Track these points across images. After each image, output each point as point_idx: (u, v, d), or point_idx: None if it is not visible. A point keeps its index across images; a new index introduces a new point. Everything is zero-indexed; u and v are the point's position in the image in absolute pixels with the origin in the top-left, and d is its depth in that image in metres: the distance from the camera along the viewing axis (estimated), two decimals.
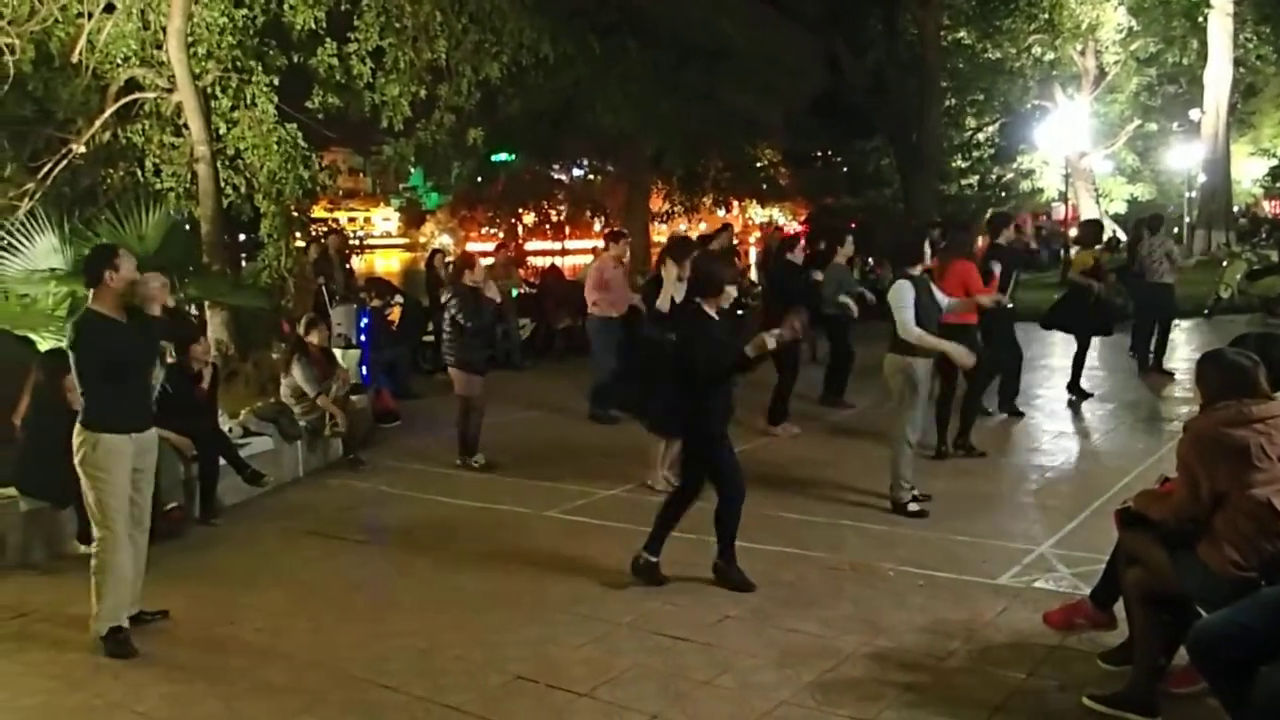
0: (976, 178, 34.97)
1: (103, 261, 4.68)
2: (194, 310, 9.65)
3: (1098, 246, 10.43)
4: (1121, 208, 34.91)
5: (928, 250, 6.65)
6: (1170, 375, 10.59)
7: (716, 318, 5.26)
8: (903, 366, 6.25)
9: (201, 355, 6.97)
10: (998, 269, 8.28)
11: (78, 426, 4.68)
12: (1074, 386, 9.69)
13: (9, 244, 7.99)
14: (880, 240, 11.44)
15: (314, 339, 8.26)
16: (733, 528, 5.23)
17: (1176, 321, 11.87)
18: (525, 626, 4.77)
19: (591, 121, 20.27)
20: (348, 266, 13.32)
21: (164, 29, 9.92)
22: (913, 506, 6.28)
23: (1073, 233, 16.57)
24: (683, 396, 5.26)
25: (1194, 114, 28.54)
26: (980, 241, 9.32)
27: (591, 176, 30.36)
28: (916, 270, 6.40)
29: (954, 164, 32.88)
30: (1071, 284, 10.00)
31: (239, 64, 10.61)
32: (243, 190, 10.94)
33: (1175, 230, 27.07)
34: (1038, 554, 5.53)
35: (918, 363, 6.23)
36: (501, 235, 28.48)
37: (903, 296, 6.22)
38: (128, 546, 4.71)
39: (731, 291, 5.28)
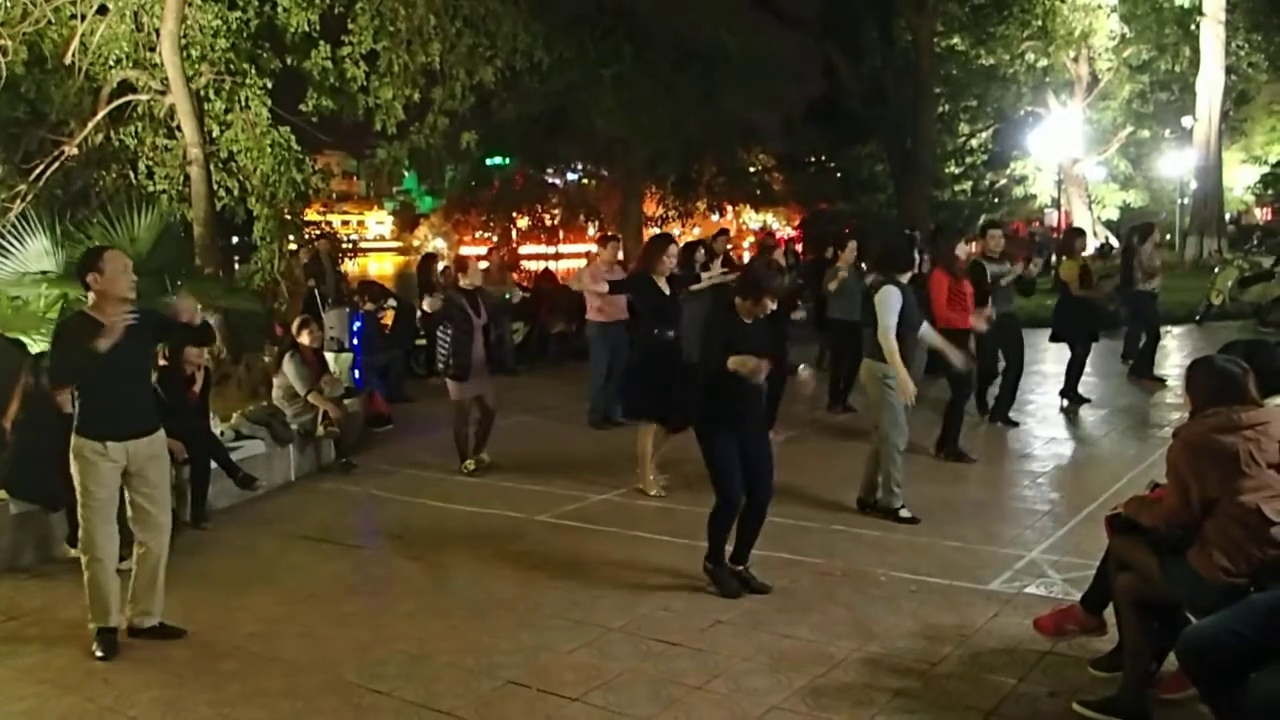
0: (970, 184, 35.15)
1: (86, 266, 4.68)
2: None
3: (1084, 254, 10.45)
4: (1114, 214, 35.09)
5: (917, 258, 6.65)
6: (1161, 381, 10.63)
7: (749, 321, 5.24)
8: (880, 374, 6.23)
9: (194, 358, 6.95)
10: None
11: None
12: (1068, 392, 9.71)
13: (0, 246, 7.97)
14: (872, 246, 11.48)
15: (305, 339, 8.26)
16: (720, 536, 5.19)
17: (1168, 328, 11.90)
18: (517, 631, 4.76)
19: (585, 126, 20.27)
20: (338, 269, 13.31)
21: (157, 31, 9.92)
22: (904, 512, 6.27)
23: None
24: (694, 391, 5.25)
25: (1186, 121, 28.69)
26: (974, 248, 9.30)
27: (585, 181, 30.37)
28: (905, 279, 6.41)
29: (948, 170, 33.04)
30: (1059, 291, 10.03)
31: (232, 66, 10.62)
32: (236, 193, 10.94)
33: (1167, 236, 27.20)
34: (1029, 560, 5.54)
35: (895, 370, 6.22)
36: (495, 239, 28.45)
37: (889, 301, 6.22)
38: (106, 553, 4.68)
39: (769, 305, 5.27)
